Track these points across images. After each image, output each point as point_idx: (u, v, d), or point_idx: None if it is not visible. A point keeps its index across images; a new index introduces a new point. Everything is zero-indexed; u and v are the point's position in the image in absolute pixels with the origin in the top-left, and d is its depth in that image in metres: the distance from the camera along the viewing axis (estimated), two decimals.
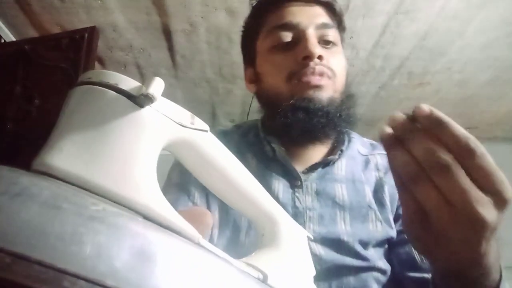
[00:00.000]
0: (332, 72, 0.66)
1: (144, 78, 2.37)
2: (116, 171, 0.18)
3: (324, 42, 0.68)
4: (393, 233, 0.64)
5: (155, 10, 1.78)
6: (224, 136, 0.74)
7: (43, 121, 1.52)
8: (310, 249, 0.53)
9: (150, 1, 1.72)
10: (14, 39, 1.95)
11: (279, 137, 0.70)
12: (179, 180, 0.65)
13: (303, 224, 0.61)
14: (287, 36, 0.67)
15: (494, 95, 2.43)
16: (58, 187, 0.16)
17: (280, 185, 0.65)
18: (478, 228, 0.33)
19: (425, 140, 0.33)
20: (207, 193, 0.64)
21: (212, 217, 0.27)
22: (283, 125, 0.65)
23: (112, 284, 0.14)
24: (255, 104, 0.79)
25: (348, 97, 0.70)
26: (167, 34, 1.94)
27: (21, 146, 1.53)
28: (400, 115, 0.35)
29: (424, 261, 0.61)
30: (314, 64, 0.64)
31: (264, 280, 0.28)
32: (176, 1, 1.72)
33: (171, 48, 2.06)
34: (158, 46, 2.04)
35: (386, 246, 0.65)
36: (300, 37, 0.66)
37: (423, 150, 0.33)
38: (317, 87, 0.64)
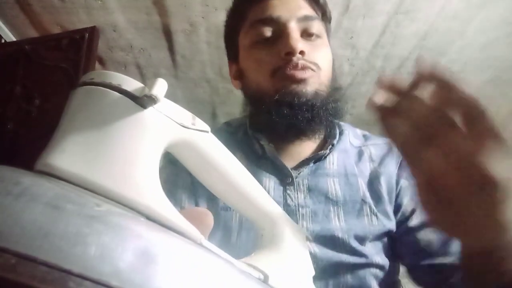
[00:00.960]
0: (316, 66, 0.65)
1: (144, 78, 2.37)
2: (119, 171, 0.18)
3: (308, 34, 0.67)
4: (391, 225, 0.63)
5: (155, 10, 1.78)
6: (214, 133, 0.71)
7: (43, 121, 1.52)
8: None
9: (150, 1, 1.72)
10: (14, 39, 1.95)
11: (266, 133, 0.69)
12: (165, 185, 0.62)
13: (295, 222, 0.59)
14: (268, 31, 0.66)
15: (494, 95, 2.42)
16: (62, 188, 0.16)
17: (271, 183, 0.64)
18: (491, 187, 0.31)
19: (424, 102, 0.32)
20: (196, 197, 0.63)
21: (212, 218, 0.27)
22: (268, 122, 0.65)
23: (116, 284, 0.14)
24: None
25: (334, 90, 0.69)
26: (167, 34, 1.94)
27: (21, 146, 1.53)
28: (391, 79, 0.34)
29: (444, 243, 0.59)
30: (297, 59, 0.63)
31: (265, 280, 0.28)
32: (176, 1, 1.72)
33: (171, 48, 2.06)
34: (158, 46, 2.04)
35: (386, 239, 0.63)
36: (281, 32, 0.65)
37: (425, 112, 0.32)
38: (301, 80, 0.63)
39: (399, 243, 0.64)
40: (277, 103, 0.63)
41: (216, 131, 0.74)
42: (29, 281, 0.13)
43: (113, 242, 0.14)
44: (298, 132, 0.66)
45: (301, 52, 0.63)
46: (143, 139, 0.20)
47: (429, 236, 0.61)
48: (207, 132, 0.27)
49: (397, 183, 0.67)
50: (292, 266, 0.33)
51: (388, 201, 0.64)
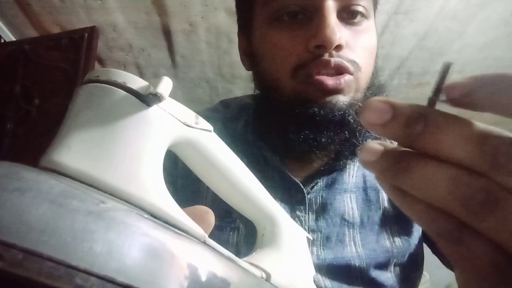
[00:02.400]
0: (355, 66, 0.47)
1: (144, 78, 2.36)
2: (124, 169, 0.18)
3: (350, 13, 0.48)
4: (417, 237, 0.52)
5: (155, 10, 1.78)
6: (205, 113, 0.56)
7: (42, 121, 1.52)
8: (314, 281, 0.49)
9: (150, 1, 1.73)
10: (14, 39, 1.95)
11: (272, 142, 0.54)
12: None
13: None
14: (295, 6, 0.48)
15: None
16: (67, 185, 0.16)
17: (277, 201, 0.47)
18: None
19: (443, 166, 0.18)
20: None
21: (213, 216, 0.27)
22: (278, 130, 0.52)
23: (123, 281, 0.14)
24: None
25: (374, 92, 0.52)
26: (167, 34, 1.94)
27: (21, 145, 1.53)
28: (376, 145, 0.19)
29: None
30: (330, 55, 0.46)
31: (267, 279, 0.28)
32: (176, 1, 1.72)
33: (170, 48, 2.06)
34: (158, 46, 2.04)
35: (414, 256, 0.52)
36: (313, 10, 0.47)
37: (442, 186, 0.17)
38: (333, 91, 0.46)
39: (435, 243, 0.54)
40: (295, 115, 0.48)
41: (209, 118, 0.61)
42: (36, 277, 0.13)
43: (119, 238, 0.15)
44: (316, 149, 0.50)
45: (338, 47, 0.46)
46: (147, 137, 0.20)
47: None
48: (210, 131, 0.27)
49: None
50: (293, 265, 0.33)
51: None
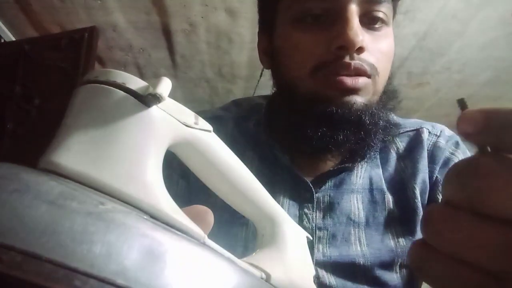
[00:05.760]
0: (373, 69, 0.49)
1: (143, 78, 2.35)
2: (123, 170, 0.18)
3: (371, 19, 0.50)
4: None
5: (154, 10, 1.78)
6: (216, 122, 0.57)
7: (43, 121, 1.52)
8: (319, 277, 0.50)
9: (150, 1, 1.73)
10: (14, 39, 1.95)
11: (284, 140, 0.56)
12: None
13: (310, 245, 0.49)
14: (318, 8, 0.49)
15: (494, 95, 2.43)
16: (66, 186, 0.16)
17: (286, 199, 0.53)
18: None
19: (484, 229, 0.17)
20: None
21: (213, 215, 0.27)
22: (293, 127, 0.53)
23: (122, 283, 0.14)
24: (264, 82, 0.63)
25: (388, 96, 0.54)
26: (167, 34, 1.94)
27: (21, 145, 1.53)
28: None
29: None
30: (351, 58, 0.47)
31: (267, 279, 0.28)
32: (176, 1, 1.72)
33: (170, 48, 2.06)
34: (158, 46, 2.04)
35: None
36: (336, 13, 0.48)
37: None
38: (352, 90, 0.48)
39: None
40: (313, 112, 0.49)
41: (221, 118, 0.60)
42: (35, 279, 0.13)
43: (118, 240, 0.15)
44: (333, 146, 0.50)
45: (359, 49, 0.47)
46: (147, 137, 0.20)
47: None
48: (209, 131, 0.27)
49: (430, 178, 0.55)
50: (293, 265, 0.33)
51: (421, 206, 0.54)
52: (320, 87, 0.49)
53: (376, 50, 0.50)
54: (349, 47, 0.46)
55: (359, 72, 0.48)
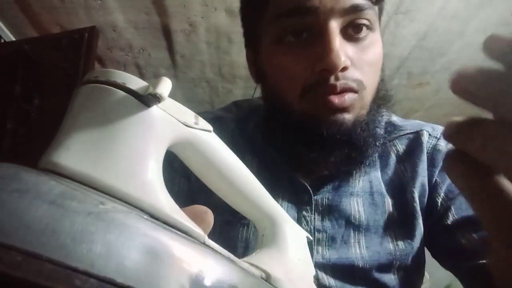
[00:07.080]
0: (360, 85, 0.48)
1: (143, 78, 2.36)
2: (123, 170, 0.18)
3: (355, 28, 0.48)
4: (419, 240, 0.53)
5: (154, 10, 1.78)
6: (217, 122, 0.58)
7: (43, 121, 1.52)
8: (318, 279, 0.50)
9: (150, 1, 1.73)
10: (14, 39, 1.95)
11: (281, 148, 0.55)
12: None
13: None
14: (299, 26, 0.48)
15: None
16: (66, 186, 0.16)
17: (284, 201, 0.54)
18: None
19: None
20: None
21: (212, 215, 0.27)
22: (287, 140, 0.53)
23: (122, 282, 0.14)
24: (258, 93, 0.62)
25: (380, 104, 0.53)
26: (167, 34, 1.94)
27: (21, 145, 1.53)
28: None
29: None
30: (335, 79, 0.46)
31: (267, 279, 0.28)
32: (175, 1, 1.72)
33: (170, 48, 2.06)
34: (158, 46, 2.04)
35: (416, 258, 0.54)
36: (317, 32, 0.47)
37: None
38: (341, 109, 0.48)
39: (436, 246, 0.55)
40: (304, 132, 0.50)
41: (222, 119, 0.61)
42: (35, 279, 0.13)
43: (118, 240, 0.15)
44: (324, 168, 0.53)
45: (343, 69, 0.46)
46: (147, 137, 0.20)
47: (470, 234, 0.50)
48: (210, 131, 0.27)
49: (430, 181, 0.55)
50: (293, 265, 0.33)
51: (419, 210, 0.54)
52: (310, 108, 0.49)
53: (362, 63, 0.48)
54: (332, 71, 0.46)
55: (346, 90, 0.47)
